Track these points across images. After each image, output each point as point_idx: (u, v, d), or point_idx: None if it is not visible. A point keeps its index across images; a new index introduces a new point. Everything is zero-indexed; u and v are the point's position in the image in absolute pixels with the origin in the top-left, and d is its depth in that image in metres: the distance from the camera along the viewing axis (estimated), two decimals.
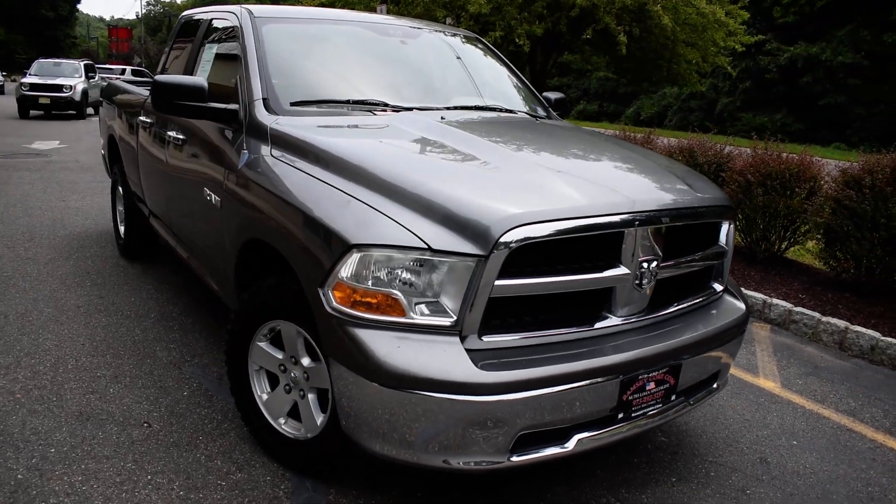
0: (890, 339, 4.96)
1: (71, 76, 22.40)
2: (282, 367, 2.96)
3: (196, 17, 4.82)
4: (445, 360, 2.29)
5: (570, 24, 18.62)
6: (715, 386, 3.12)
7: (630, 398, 2.60)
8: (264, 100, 3.41)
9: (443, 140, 3.14)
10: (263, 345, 3.02)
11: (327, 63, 3.96)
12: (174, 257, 5.62)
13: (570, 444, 2.50)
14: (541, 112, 4.44)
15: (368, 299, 2.37)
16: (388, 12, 15.85)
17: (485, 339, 2.38)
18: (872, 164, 5.91)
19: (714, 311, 3.09)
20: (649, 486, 3.14)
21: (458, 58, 4.46)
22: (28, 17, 59.15)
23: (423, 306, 2.36)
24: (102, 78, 25.88)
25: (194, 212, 3.95)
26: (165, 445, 3.15)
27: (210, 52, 4.30)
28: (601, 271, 2.56)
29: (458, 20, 17.94)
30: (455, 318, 2.33)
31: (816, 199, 6.37)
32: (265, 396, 3.08)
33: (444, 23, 15.73)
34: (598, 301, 2.64)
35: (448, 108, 3.82)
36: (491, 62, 4.75)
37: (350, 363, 2.39)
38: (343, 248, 2.40)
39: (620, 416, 2.61)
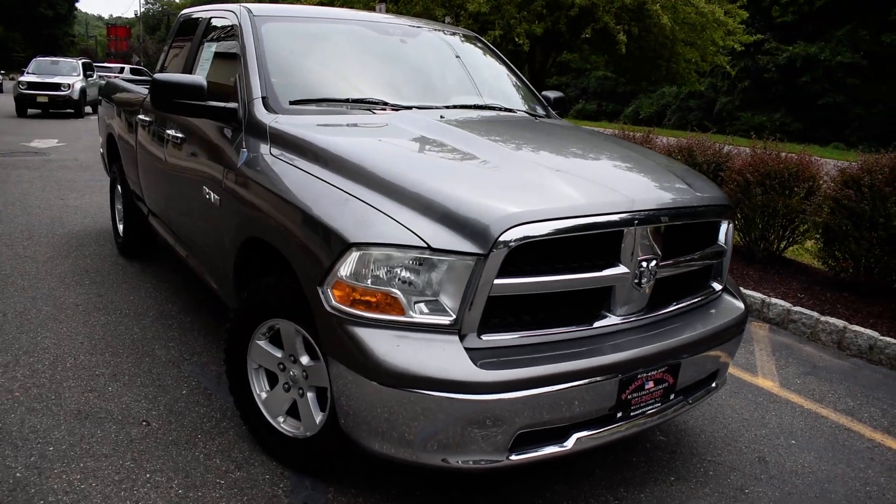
0: (888, 339, 4.97)
1: (69, 75, 22.32)
2: (281, 366, 2.96)
3: (195, 16, 4.81)
4: (444, 358, 2.29)
5: (569, 24, 18.61)
6: (713, 385, 3.13)
7: (629, 397, 2.61)
8: (263, 98, 3.41)
9: (442, 139, 3.14)
10: (262, 343, 3.02)
11: (326, 62, 3.96)
12: (173, 256, 5.62)
13: (569, 443, 2.51)
14: (540, 111, 4.44)
15: (368, 298, 2.37)
16: (388, 11, 15.83)
17: (484, 337, 2.38)
18: (871, 164, 5.91)
19: (713, 311, 3.10)
20: (648, 484, 3.15)
21: (458, 57, 4.46)
22: (26, 16, 59.10)
23: (422, 305, 2.36)
24: (101, 76, 25.84)
25: (193, 210, 3.95)
26: (164, 444, 3.15)
27: (209, 50, 4.30)
28: (600, 270, 2.56)
29: (458, 19, 17.93)
30: (454, 316, 2.33)
31: (815, 198, 6.38)
32: (264, 395, 3.08)
33: (443, 21, 15.72)
34: (598, 300, 2.64)
35: (447, 107, 3.82)
36: (490, 61, 4.75)
37: (349, 362, 2.39)
38: (342, 246, 2.39)
39: (619, 415, 2.62)
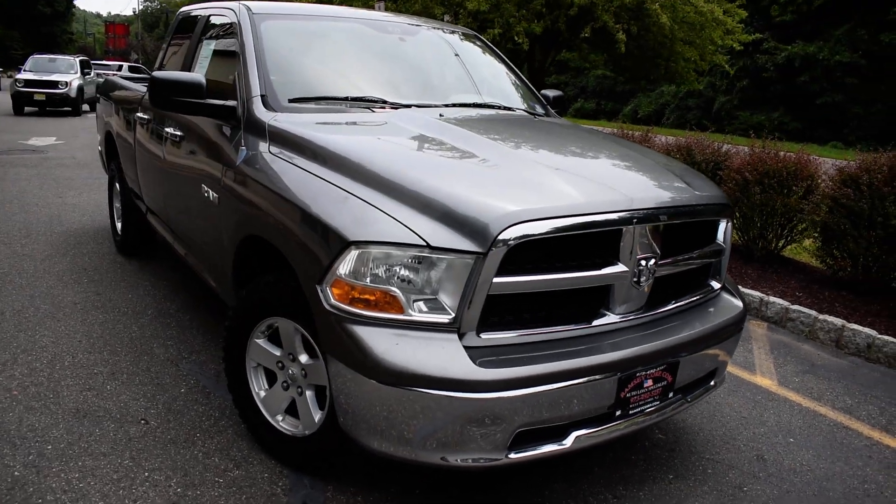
0: (886, 338, 4.97)
1: (66, 72, 22.21)
2: (279, 364, 2.96)
3: (194, 14, 4.80)
4: (443, 357, 2.29)
5: (568, 23, 18.61)
6: (712, 383, 3.13)
7: (628, 395, 2.61)
8: (262, 96, 3.40)
9: (441, 137, 3.14)
10: (261, 342, 3.01)
11: (326, 60, 3.95)
12: (171, 254, 5.61)
13: (568, 442, 2.51)
14: (539, 110, 4.44)
15: (366, 296, 2.37)
16: (387, 9, 15.83)
17: (483, 336, 2.38)
18: (870, 163, 5.92)
19: (712, 309, 3.10)
20: (647, 483, 3.15)
21: (457, 55, 4.46)
22: (24, 14, 59.01)
23: (421, 303, 2.36)
24: (98, 74, 25.76)
25: (192, 208, 3.95)
26: (163, 442, 3.15)
27: (208, 48, 4.29)
28: (599, 269, 2.56)
29: (457, 17, 17.92)
30: (453, 315, 2.33)
31: (813, 197, 6.38)
32: (263, 393, 3.08)
33: (443, 20, 15.71)
34: (597, 298, 2.64)
35: (446, 106, 3.81)
36: (489, 59, 4.75)
37: (348, 360, 2.39)
38: (341, 245, 2.39)
39: (618, 413, 2.62)
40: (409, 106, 3.63)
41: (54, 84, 21.07)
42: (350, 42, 4.10)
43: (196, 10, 4.82)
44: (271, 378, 3.06)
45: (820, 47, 35.29)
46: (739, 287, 3.45)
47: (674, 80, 23.44)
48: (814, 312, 5.41)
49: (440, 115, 3.49)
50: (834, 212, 6.01)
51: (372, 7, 14.61)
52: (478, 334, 2.36)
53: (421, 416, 2.31)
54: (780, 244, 6.92)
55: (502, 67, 4.73)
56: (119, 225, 6.11)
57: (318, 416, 2.82)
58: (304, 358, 2.82)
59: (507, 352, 2.40)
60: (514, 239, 2.30)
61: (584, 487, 3.06)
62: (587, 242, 2.54)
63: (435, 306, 2.35)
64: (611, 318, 2.65)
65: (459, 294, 2.32)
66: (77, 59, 23.87)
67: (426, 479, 3.02)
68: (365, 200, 2.52)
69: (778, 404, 4.11)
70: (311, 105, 3.50)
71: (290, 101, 3.44)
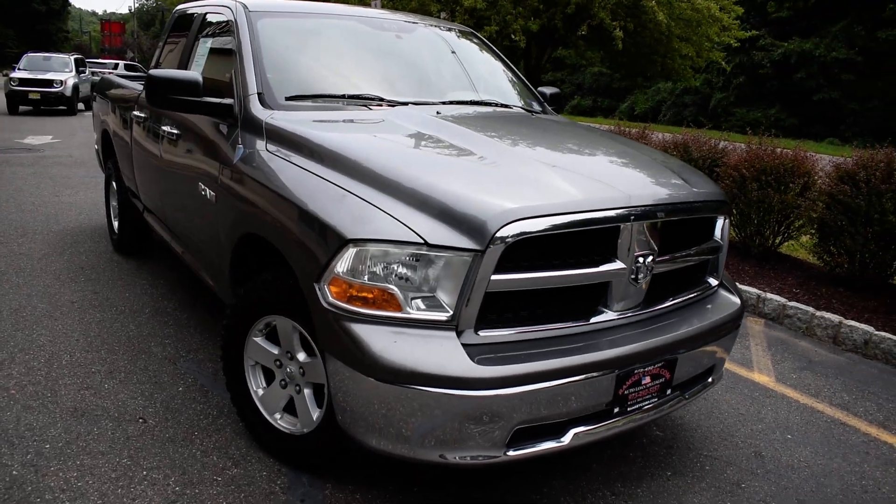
0: (883, 334, 4.98)
1: (61, 71, 21.95)
2: (277, 363, 2.96)
3: (190, 12, 4.79)
4: (442, 354, 2.29)
5: (565, 20, 18.61)
6: (710, 380, 3.13)
7: (626, 392, 2.61)
8: (259, 94, 3.40)
9: (438, 135, 3.14)
10: (259, 340, 3.01)
11: (322, 57, 3.95)
12: (169, 252, 5.61)
13: (567, 439, 2.51)
14: (536, 107, 4.44)
15: (364, 294, 2.37)
16: (383, 7, 15.81)
17: (481, 333, 2.38)
18: (867, 160, 5.92)
19: (709, 306, 3.10)
20: (645, 479, 3.15)
21: (453, 52, 4.45)
22: (20, 12, 58.86)
23: (419, 301, 2.36)
24: (94, 72, 25.63)
25: (189, 207, 3.94)
26: (161, 441, 3.15)
27: (204, 46, 4.28)
28: (597, 266, 2.56)
29: (453, 15, 17.91)
30: (451, 312, 2.33)
31: (810, 194, 6.39)
32: (261, 392, 3.08)
33: (439, 17, 15.70)
34: (594, 296, 2.64)
35: (443, 103, 3.81)
36: (486, 57, 4.74)
37: (346, 358, 2.39)
38: (339, 242, 2.39)
39: (616, 410, 2.62)
40: (406, 103, 3.63)
41: (49, 83, 20.85)
42: (347, 40, 4.09)
43: (192, 7, 4.81)
44: (269, 376, 3.06)
45: (816, 44, 35.31)
46: (737, 284, 3.45)
47: (670, 76, 23.47)
48: (811, 309, 5.42)
49: (437, 113, 3.49)
50: (831, 208, 6.02)
51: (368, 4, 14.60)
52: (476, 332, 2.37)
53: (419, 414, 2.31)
54: (778, 241, 6.92)
55: (499, 65, 4.73)
56: (116, 223, 6.10)
57: (316, 414, 2.82)
58: (302, 356, 2.82)
59: (505, 349, 2.40)
60: (512, 236, 2.30)
61: (582, 484, 3.06)
62: (585, 240, 2.54)
63: (433, 304, 2.35)
64: (609, 316, 2.65)
65: (457, 292, 2.32)
66: (72, 58, 23.57)
67: (425, 476, 3.02)
68: (362, 198, 2.52)
69: (775, 401, 4.11)
70: (308, 103, 3.50)
71: (287, 98, 3.44)
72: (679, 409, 3.51)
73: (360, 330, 2.35)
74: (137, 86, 5.42)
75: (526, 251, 2.39)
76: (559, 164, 2.92)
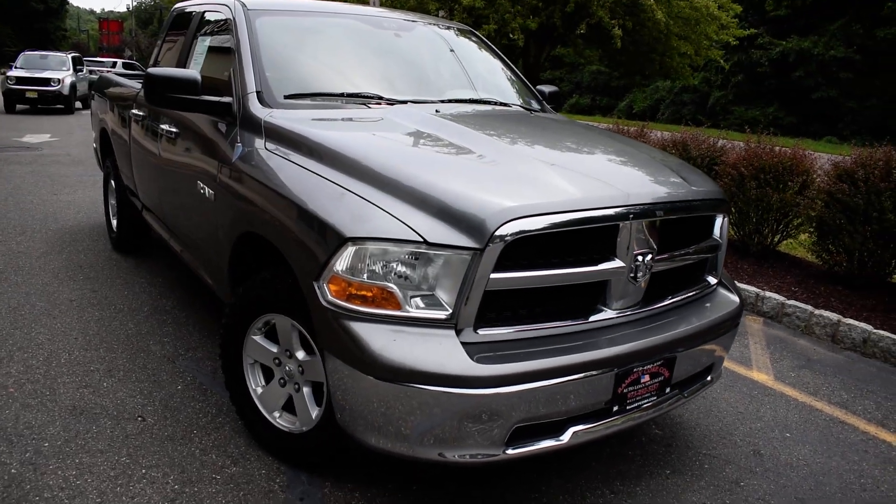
0: (882, 332, 4.99)
1: (58, 69, 21.80)
2: (276, 361, 2.96)
3: (188, 10, 4.79)
4: (441, 353, 2.29)
5: (563, 18, 18.61)
6: (709, 379, 3.14)
7: (625, 391, 2.61)
8: (258, 93, 3.39)
9: (438, 133, 3.14)
10: (258, 338, 3.01)
11: (321, 56, 3.94)
12: (167, 251, 5.60)
13: (566, 437, 2.51)
14: (535, 105, 4.44)
15: (364, 293, 2.37)
16: (382, 5, 15.80)
17: (480, 332, 2.38)
18: (865, 158, 5.93)
19: (708, 304, 3.10)
20: (644, 478, 3.15)
21: (452, 51, 4.45)
22: (18, 10, 58.74)
23: (418, 300, 2.36)
24: (91, 71, 25.52)
25: (188, 205, 3.94)
26: (160, 439, 3.15)
27: (203, 44, 4.28)
28: (596, 264, 2.56)
29: (452, 13, 17.91)
30: (450, 311, 2.33)
31: (809, 192, 6.39)
32: (260, 390, 3.08)
33: (438, 16, 15.69)
34: (594, 294, 2.64)
35: (442, 101, 3.81)
36: (485, 55, 4.74)
37: (345, 356, 2.39)
38: (338, 241, 2.39)
39: (615, 408, 2.62)
40: (404, 102, 3.63)
41: (46, 81, 20.71)
42: (345, 38, 4.09)
43: (191, 6, 4.80)
44: (268, 375, 3.06)
45: (815, 42, 35.34)
46: (735, 282, 3.46)
47: (669, 75, 23.50)
48: (810, 307, 5.42)
49: (436, 111, 3.49)
50: (829, 207, 6.03)
51: (367, 3, 14.59)
52: (475, 330, 2.36)
53: (418, 413, 2.31)
54: (776, 239, 6.93)
55: (498, 63, 4.73)
56: (114, 222, 6.10)
57: (315, 412, 2.82)
58: (301, 354, 2.82)
59: (504, 348, 2.40)
60: (511, 235, 2.30)
61: (581, 483, 3.07)
62: (584, 238, 2.54)
63: (432, 302, 2.35)
64: (608, 314, 2.65)
65: (456, 290, 2.32)
66: (69, 56, 23.39)
67: (424, 474, 3.02)
68: (361, 197, 2.51)
69: (774, 399, 4.12)
70: (307, 101, 3.50)
71: (286, 97, 3.43)
72: (678, 408, 3.51)
73: (360, 328, 2.35)
74: (135, 84, 5.42)
75: (525, 249, 2.39)
76: (558, 162, 2.92)
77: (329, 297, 2.41)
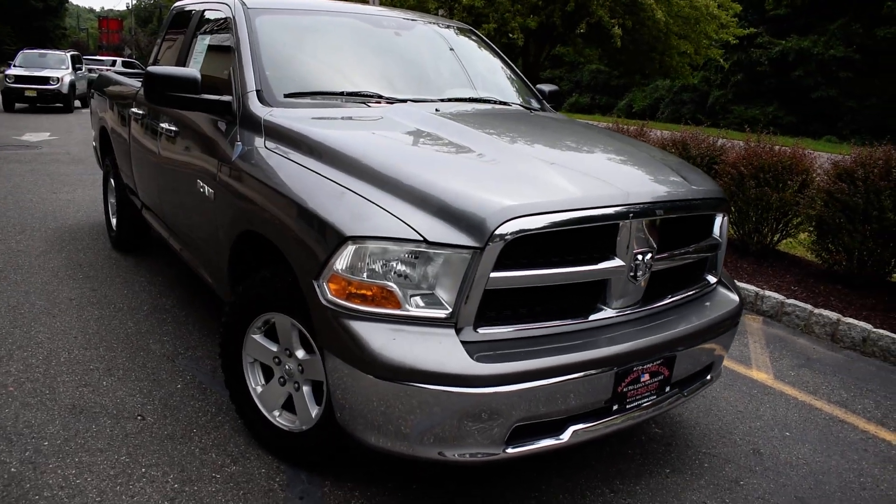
0: (881, 331, 4.99)
1: (57, 68, 21.62)
2: (276, 360, 2.96)
3: (188, 8, 4.78)
4: (441, 352, 2.29)
5: (563, 17, 18.61)
6: (709, 378, 3.14)
7: (625, 390, 2.61)
8: (258, 91, 3.39)
9: (437, 132, 3.13)
10: (258, 337, 3.01)
11: (321, 55, 3.94)
12: (167, 249, 5.60)
13: (566, 436, 2.51)
14: (535, 104, 4.44)
15: (363, 291, 2.37)
16: (382, 4, 15.79)
17: (480, 331, 2.37)
18: (865, 158, 5.93)
19: (708, 303, 3.10)
20: (643, 476, 3.16)
21: (452, 50, 4.45)
22: (17, 8, 58.67)
23: (418, 298, 2.35)
24: (90, 69, 25.44)
25: (187, 204, 3.94)
26: (159, 438, 3.15)
27: (203, 43, 4.28)
28: (596, 263, 2.56)
29: (451, 12, 17.91)
30: (450, 310, 2.33)
31: (808, 191, 6.39)
32: (259, 389, 3.08)
33: (437, 15, 15.69)
34: (593, 293, 2.64)
35: (442, 100, 3.81)
36: (485, 54, 4.74)
37: (345, 355, 2.39)
38: (338, 240, 2.39)
39: (615, 407, 2.62)
40: (404, 101, 3.63)
41: (45, 80, 20.53)
42: (345, 37, 4.09)
43: (190, 4, 4.79)
44: (268, 374, 3.06)
45: (814, 42, 35.36)
46: (735, 281, 3.46)
47: (668, 74, 23.50)
48: (809, 306, 5.42)
49: (436, 110, 3.48)
50: (829, 206, 6.03)
51: (367, 2, 14.58)
52: (475, 329, 2.36)
53: (418, 411, 2.30)
54: (776, 238, 6.93)
55: (498, 62, 4.73)
56: (114, 221, 6.09)
57: (315, 411, 2.81)
58: (300, 353, 2.82)
59: (504, 346, 2.40)
60: (511, 234, 2.30)
61: (581, 482, 3.07)
62: (584, 237, 2.54)
63: (432, 301, 2.35)
64: (607, 313, 2.65)
65: (456, 289, 2.31)
66: (68, 54, 23.21)
67: (423, 473, 3.02)
68: (361, 195, 2.51)
69: (774, 398, 4.12)
70: (307, 100, 3.49)
71: (286, 95, 3.43)
72: (678, 407, 3.51)
73: (359, 327, 2.35)
74: (135, 83, 5.41)
75: (525, 248, 2.39)
76: (558, 161, 2.92)
77: (329, 295, 2.41)
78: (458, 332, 2.34)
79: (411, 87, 3.94)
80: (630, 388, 2.63)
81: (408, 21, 4.53)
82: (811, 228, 6.43)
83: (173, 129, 4.07)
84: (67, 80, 21.23)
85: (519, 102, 4.32)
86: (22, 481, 2.76)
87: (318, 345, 2.60)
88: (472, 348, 2.32)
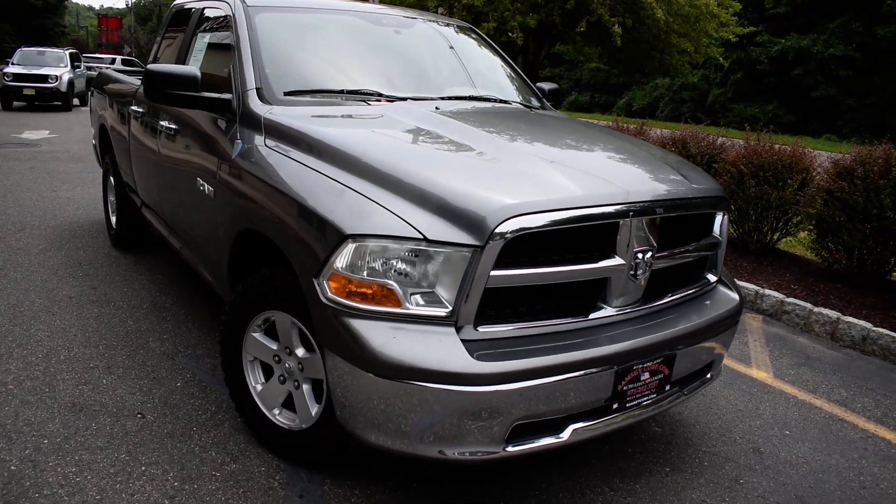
0: (881, 330, 4.99)
1: (56, 66, 21.41)
2: (276, 358, 2.96)
3: (188, 6, 4.78)
4: (441, 350, 2.29)
5: (563, 16, 18.60)
6: (708, 376, 3.13)
7: (625, 388, 2.61)
8: (258, 89, 3.39)
9: (437, 130, 3.13)
10: (258, 335, 3.01)
11: (321, 52, 3.94)
12: (167, 248, 5.60)
13: (566, 435, 2.51)
14: (535, 102, 4.44)
15: (363, 290, 2.37)
16: (381, 2, 15.78)
17: (480, 329, 2.37)
18: (865, 156, 5.93)
19: (708, 302, 3.10)
20: (643, 475, 3.16)
21: (452, 48, 4.45)
22: (16, 6, 58.59)
23: (418, 297, 2.35)
24: (89, 68, 25.35)
25: (187, 202, 3.93)
26: (159, 436, 3.15)
27: (202, 41, 4.27)
28: (596, 262, 2.56)
29: (451, 11, 17.90)
30: (450, 308, 2.33)
31: (808, 190, 6.39)
32: (259, 387, 3.08)
33: (437, 13, 15.67)
34: (594, 292, 2.64)
35: (442, 99, 3.80)
36: (485, 52, 4.74)
37: (345, 354, 2.39)
38: (338, 238, 2.39)
39: (615, 406, 2.62)
40: (404, 99, 3.63)
41: (44, 78, 20.32)
42: (345, 35, 4.09)
43: (190, 2, 4.79)
44: (268, 372, 3.06)
45: (814, 40, 35.34)
46: (735, 280, 3.46)
47: (668, 72, 23.48)
48: (809, 305, 5.42)
49: (436, 108, 3.48)
50: (829, 204, 6.03)
51: (366, 0, 14.55)
52: (475, 327, 2.36)
53: (418, 410, 2.30)
54: (776, 237, 6.93)
55: (497, 60, 4.73)
56: (114, 219, 6.09)
57: (314, 409, 2.81)
58: (300, 352, 2.82)
59: (504, 345, 2.39)
60: (512, 232, 2.30)
61: (581, 480, 3.07)
62: (584, 235, 2.54)
63: (432, 299, 2.35)
64: (608, 312, 2.65)
65: (457, 287, 2.31)
66: (66, 52, 23.00)
67: (423, 471, 3.02)
68: (361, 193, 2.51)
69: (774, 397, 4.12)
70: (307, 98, 3.49)
71: (286, 93, 3.43)
72: (677, 405, 3.51)
73: (359, 325, 2.34)
74: (135, 81, 5.41)
75: (525, 247, 2.39)
76: (558, 159, 2.92)
77: (329, 294, 2.41)
78: (458, 330, 2.34)
79: (411, 85, 3.94)
80: (630, 386, 2.63)
81: (408, 19, 4.52)
82: (811, 227, 6.43)
83: (173, 127, 4.07)
84: (66, 78, 21.03)
85: (519, 101, 4.32)
86: (22, 479, 2.76)
87: (318, 343, 2.60)
88: (473, 347, 2.32)
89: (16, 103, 20.72)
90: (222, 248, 3.37)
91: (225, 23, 3.90)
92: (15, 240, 6.10)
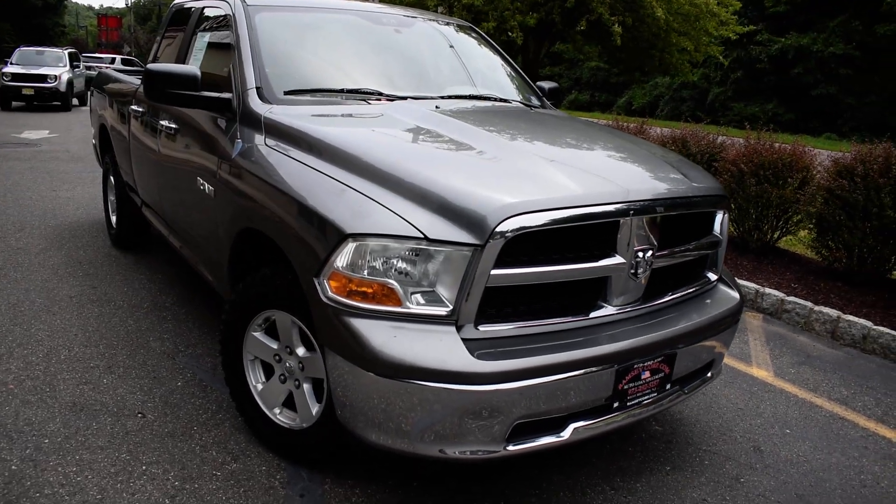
0: (881, 328, 4.99)
1: (55, 65, 21.24)
2: (277, 357, 2.96)
3: (188, 6, 4.78)
4: (441, 349, 2.29)
5: (563, 15, 18.59)
6: (709, 375, 3.13)
7: (625, 387, 2.61)
8: (258, 89, 3.39)
9: (438, 129, 3.13)
10: (258, 335, 3.01)
11: (321, 52, 3.94)
12: (167, 247, 5.60)
13: (566, 433, 2.51)
14: (535, 101, 4.44)
15: (364, 289, 2.37)
16: (381, 1, 15.78)
17: (481, 328, 2.37)
18: (865, 155, 5.93)
19: (708, 301, 3.10)
20: (644, 474, 3.16)
21: (452, 47, 4.45)
22: (15, 6, 58.58)
23: (418, 296, 2.35)
24: (88, 67, 25.28)
25: (187, 201, 3.93)
26: (160, 436, 3.15)
27: (202, 40, 4.27)
28: (596, 260, 2.56)
29: (451, 10, 17.89)
30: (451, 307, 2.33)
31: (809, 188, 6.39)
32: (260, 386, 3.08)
33: (437, 12, 15.67)
34: (594, 290, 2.64)
35: (442, 98, 3.80)
36: (485, 51, 4.74)
37: (346, 353, 2.39)
38: (338, 237, 2.39)
39: (616, 405, 2.62)
40: (404, 98, 3.63)
41: (43, 78, 20.19)
42: (345, 34, 4.09)
43: (190, 2, 4.79)
44: (268, 371, 3.06)
45: (814, 39, 35.33)
46: (735, 279, 3.45)
47: (668, 71, 23.46)
48: (809, 304, 5.42)
49: (436, 107, 3.48)
50: (829, 203, 6.03)
51: None
52: (475, 326, 2.36)
53: (419, 409, 2.30)
54: (776, 235, 6.93)
55: (498, 59, 4.73)
56: (114, 218, 6.09)
57: (315, 408, 2.81)
58: (301, 351, 2.81)
59: (504, 344, 2.39)
60: (512, 231, 2.30)
61: (581, 479, 3.07)
62: (584, 234, 2.54)
63: (432, 299, 2.35)
64: (608, 310, 2.65)
65: (457, 286, 2.31)
66: (65, 52, 22.82)
67: (424, 471, 3.02)
68: (362, 193, 2.51)
69: (774, 395, 4.12)
70: (307, 97, 3.49)
71: (286, 93, 3.43)
72: (678, 404, 3.51)
73: (360, 324, 2.34)
74: (135, 80, 5.41)
75: (525, 246, 2.39)
76: (558, 158, 2.92)
77: (329, 293, 2.41)
78: (458, 329, 2.34)
79: (411, 84, 3.94)
80: (631, 385, 2.63)
81: (408, 18, 4.52)
82: (811, 226, 6.43)
83: (173, 126, 4.07)
84: (65, 77, 20.88)
85: (519, 100, 4.32)
86: (22, 479, 2.76)
87: (319, 342, 2.60)
88: (473, 346, 2.32)
89: (15, 103, 20.60)
90: (222, 247, 3.37)
91: (225, 22, 3.90)
92: (15, 239, 6.10)
